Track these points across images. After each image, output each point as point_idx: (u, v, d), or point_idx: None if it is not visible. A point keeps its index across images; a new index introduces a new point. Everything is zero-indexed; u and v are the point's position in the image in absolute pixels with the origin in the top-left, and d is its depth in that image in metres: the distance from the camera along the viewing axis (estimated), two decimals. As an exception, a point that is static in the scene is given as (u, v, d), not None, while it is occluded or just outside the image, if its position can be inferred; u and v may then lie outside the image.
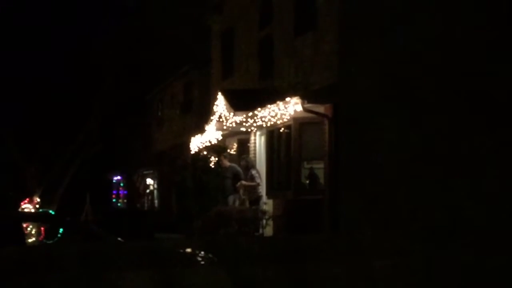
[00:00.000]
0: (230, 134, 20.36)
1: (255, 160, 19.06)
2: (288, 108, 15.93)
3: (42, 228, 17.79)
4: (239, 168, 18.73)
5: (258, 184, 18.05)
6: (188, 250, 7.85)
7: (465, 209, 11.07)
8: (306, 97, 15.88)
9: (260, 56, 20.27)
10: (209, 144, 20.91)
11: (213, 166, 19.45)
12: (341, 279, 7.45)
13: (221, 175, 18.71)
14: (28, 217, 14.88)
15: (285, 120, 16.64)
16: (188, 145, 22.80)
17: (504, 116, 10.96)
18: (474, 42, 11.38)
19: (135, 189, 36.97)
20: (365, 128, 14.23)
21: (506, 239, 8.82)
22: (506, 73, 10.96)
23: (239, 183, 18.45)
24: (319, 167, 16.71)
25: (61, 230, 12.76)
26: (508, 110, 10.95)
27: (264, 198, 18.37)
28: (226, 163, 18.89)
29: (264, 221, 17.17)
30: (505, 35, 11.11)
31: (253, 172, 18.09)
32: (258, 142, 19.60)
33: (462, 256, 8.00)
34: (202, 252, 7.73)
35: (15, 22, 27.21)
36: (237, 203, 18.39)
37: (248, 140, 20.07)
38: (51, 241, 14.21)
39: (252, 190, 18.14)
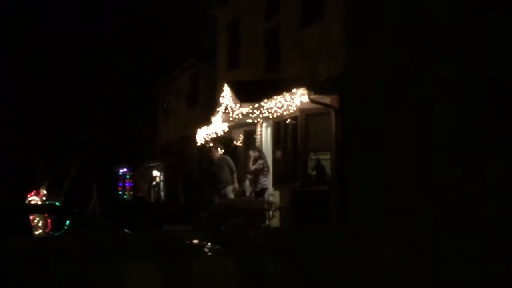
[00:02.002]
0: (236, 125, 20.34)
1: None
2: (295, 99, 15.90)
3: (49, 220, 17.84)
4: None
5: (261, 177, 18.01)
6: (195, 241, 7.85)
7: (472, 199, 11.04)
8: (312, 88, 15.85)
9: (266, 47, 20.23)
10: (216, 136, 20.89)
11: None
12: (348, 269, 7.44)
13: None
14: (35, 209, 14.90)
15: (291, 111, 16.61)
16: (194, 137, 22.79)
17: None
18: (484, 34, 11.33)
19: (140, 182, 37.01)
20: (372, 118, 14.20)
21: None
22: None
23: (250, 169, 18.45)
24: (325, 158, 16.70)
25: (68, 222, 12.76)
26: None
27: (271, 189, 18.36)
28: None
29: (271, 212, 17.17)
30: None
31: (260, 162, 18.09)
32: (264, 134, 19.58)
33: (470, 247, 7.98)
34: (209, 244, 7.73)
35: (23, 12, 27.20)
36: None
37: (254, 132, 20.04)
38: (58, 233, 14.23)
39: (256, 179, 18.15)
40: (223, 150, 19.37)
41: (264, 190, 18.14)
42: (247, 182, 18.69)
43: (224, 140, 20.50)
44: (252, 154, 18.39)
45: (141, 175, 36.62)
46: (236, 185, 18.41)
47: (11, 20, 26.83)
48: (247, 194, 18.73)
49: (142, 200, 33.88)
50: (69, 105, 28.17)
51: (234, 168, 18.43)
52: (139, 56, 28.86)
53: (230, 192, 18.26)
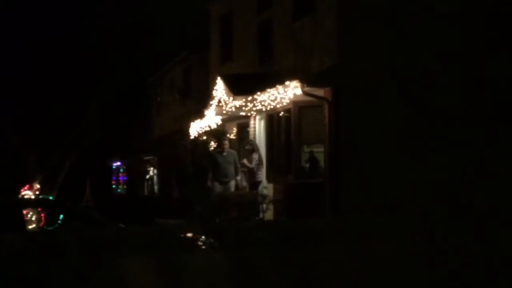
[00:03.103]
0: (230, 118, 20.33)
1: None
2: (288, 92, 15.90)
3: (42, 215, 17.81)
4: (237, 156, 18.68)
5: (254, 170, 17.99)
6: (189, 235, 7.86)
7: (467, 194, 11.06)
8: (305, 81, 15.84)
9: (259, 40, 20.21)
10: (209, 129, 20.88)
11: (211, 149, 19.40)
12: (341, 262, 7.45)
13: (224, 159, 18.52)
14: (28, 203, 14.88)
15: (284, 104, 16.61)
16: (188, 130, 22.78)
17: (508, 102, 10.93)
18: (480, 26, 11.32)
19: (135, 172, 36.97)
20: (365, 111, 14.21)
21: (508, 226, 8.81)
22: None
23: (244, 160, 18.42)
24: (319, 150, 16.70)
25: (61, 216, 12.75)
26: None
27: (264, 182, 18.35)
28: (227, 146, 18.76)
29: (265, 206, 17.17)
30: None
31: (255, 156, 18.07)
32: (257, 127, 19.57)
33: (463, 242, 7.99)
34: (203, 237, 7.73)
35: (14, 9, 27.12)
36: (233, 189, 18.33)
37: (247, 125, 20.03)
38: (51, 228, 14.22)
39: (251, 174, 18.13)
40: (216, 143, 19.35)
41: (257, 183, 18.14)
42: (241, 175, 18.64)
43: (217, 133, 20.48)
44: (249, 151, 18.34)
45: (136, 168, 36.58)
46: (239, 182, 18.36)
47: (5, 16, 26.74)
48: (238, 184, 18.65)
49: (136, 194, 33.88)
50: (62, 99, 28.11)
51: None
52: (132, 50, 28.79)
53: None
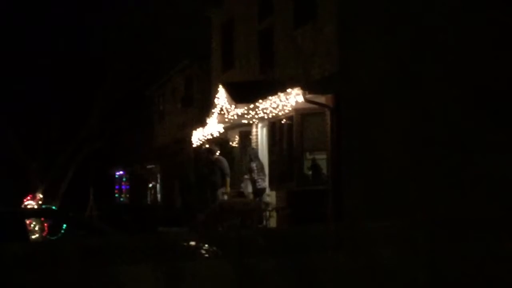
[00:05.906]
0: (232, 126, 20.33)
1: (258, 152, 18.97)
2: (290, 99, 15.89)
3: (45, 224, 17.82)
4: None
5: (253, 178, 17.97)
6: (192, 243, 7.85)
7: (468, 198, 11.07)
8: (307, 88, 15.84)
9: (260, 48, 20.22)
10: (211, 137, 20.88)
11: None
12: (344, 269, 7.45)
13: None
14: (31, 213, 14.88)
15: (286, 111, 16.61)
16: (190, 138, 22.78)
17: (508, 106, 10.94)
18: (478, 32, 11.35)
19: (138, 181, 36.97)
20: (367, 117, 14.23)
21: (510, 230, 8.79)
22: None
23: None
24: (321, 157, 16.68)
25: (64, 226, 12.75)
26: None
27: (267, 190, 18.33)
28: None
29: (268, 213, 17.15)
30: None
31: (252, 165, 18.04)
32: (260, 134, 19.57)
33: (466, 245, 7.98)
34: (206, 245, 7.73)
35: (16, 17, 27.19)
36: (225, 197, 18.34)
37: (250, 132, 20.03)
38: (54, 237, 14.22)
39: (250, 184, 18.14)
40: (218, 152, 19.35)
41: (260, 190, 18.12)
42: (247, 183, 18.60)
43: (219, 141, 20.47)
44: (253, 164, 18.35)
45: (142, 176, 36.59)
46: (228, 189, 18.36)
47: (8, 24, 26.82)
48: (245, 193, 18.64)
49: (139, 203, 33.89)
50: (63, 108, 28.16)
51: (226, 172, 18.36)
52: (134, 58, 28.84)
53: (220, 195, 18.21)
